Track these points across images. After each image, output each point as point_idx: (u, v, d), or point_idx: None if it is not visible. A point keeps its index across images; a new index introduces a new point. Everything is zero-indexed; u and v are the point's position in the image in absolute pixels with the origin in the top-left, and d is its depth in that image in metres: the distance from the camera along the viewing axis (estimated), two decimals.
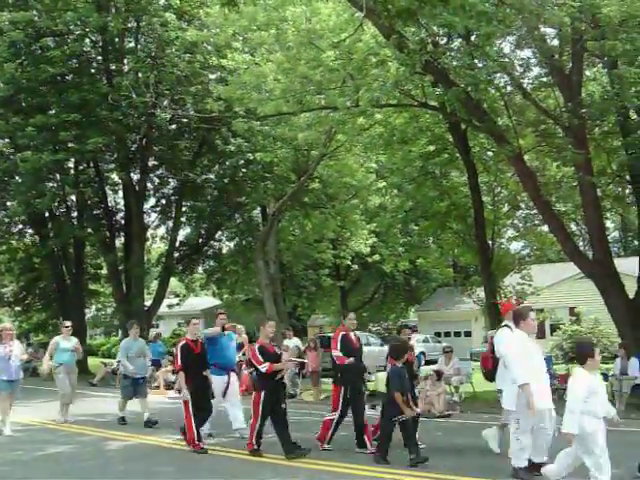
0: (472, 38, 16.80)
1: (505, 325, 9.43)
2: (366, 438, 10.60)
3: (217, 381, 11.94)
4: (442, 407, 15.56)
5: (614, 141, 18.40)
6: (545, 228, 21.67)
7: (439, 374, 16.55)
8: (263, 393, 10.21)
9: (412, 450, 9.38)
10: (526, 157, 18.37)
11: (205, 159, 29.72)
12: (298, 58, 17.02)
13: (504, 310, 10.49)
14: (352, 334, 11.15)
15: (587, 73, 18.91)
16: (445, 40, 18.49)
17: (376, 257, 35.25)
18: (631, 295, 17.31)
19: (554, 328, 35.92)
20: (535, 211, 20.60)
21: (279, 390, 10.50)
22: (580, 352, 7.44)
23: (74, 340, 15.05)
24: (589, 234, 18.71)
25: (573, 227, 30.11)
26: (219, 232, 33.10)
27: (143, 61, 25.64)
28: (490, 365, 9.90)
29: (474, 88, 16.09)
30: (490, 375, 9.93)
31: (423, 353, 33.05)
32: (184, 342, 11.38)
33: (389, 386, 9.84)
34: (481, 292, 21.73)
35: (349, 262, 36.91)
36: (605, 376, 17.62)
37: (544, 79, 18.36)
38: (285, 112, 19.07)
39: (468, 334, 43.46)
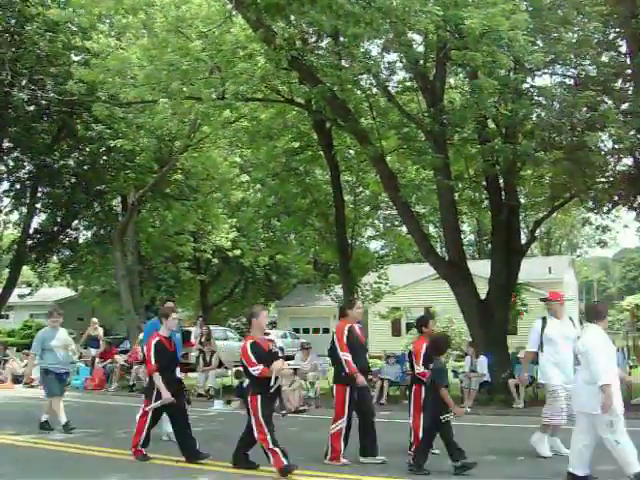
0: (341, 38, 16.95)
1: (542, 317, 9.78)
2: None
3: None
4: (297, 402, 15.78)
5: (472, 148, 19.02)
6: (404, 229, 22.18)
7: (295, 370, 16.68)
8: (259, 397, 8.81)
9: (456, 456, 8.59)
10: (388, 159, 18.74)
11: (64, 144, 28.58)
12: (165, 45, 16.67)
13: (552, 298, 10.16)
14: (357, 326, 9.94)
15: (450, 81, 19.48)
16: (314, 38, 18.57)
17: (237, 251, 35.14)
18: (483, 296, 17.97)
19: (410, 326, 36.93)
20: (395, 212, 21.04)
21: (275, 394, 9.20)
22: None
23: None
24: (445, 236, 19.28)
25: (431, 229, 31.05)
26: (76, 220, 31.94)
27: (0, 36, 24.36)
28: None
29: (340, 88, 16.26)
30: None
31: (281, 348, 33.18)
32: (157, 339, 9.75)
33: (433, 382, 8.94)
34: (340, 290, 21.99)
35: (210, 256, 36.54)
36: (455, 373, 18.26)
37: (408, 83, 18.75)
38: (149, 100, 18.63)
39: (326, 331, 44.00)
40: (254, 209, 25.54)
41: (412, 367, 10.12)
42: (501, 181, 18.20)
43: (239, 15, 16.05)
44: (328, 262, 27.45)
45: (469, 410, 10.58)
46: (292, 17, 15.88)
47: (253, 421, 8.76)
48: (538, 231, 33.20)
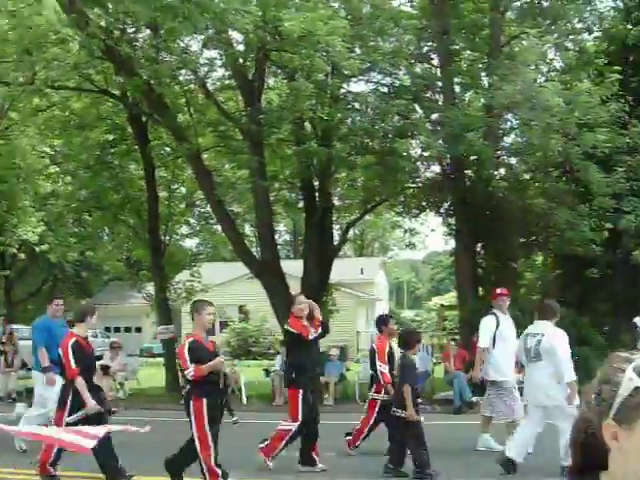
0: (160, 32, 16.62)
1: (491, 312, 9.76)
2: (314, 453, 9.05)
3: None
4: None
5: (288, 149, 19.24)
6: (220, 227, 22.06)
7: (105, 369, 16.20)
8: (205, 400, 7.51)
9: (392, 458, 8.45)
10: (204, 156, 18.59)
11: None
12: None
13: (492, 297, 10.35)
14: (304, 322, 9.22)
15: (270, 81, 19.59)
16: (133, 29, 18.08)
17: (45, 247, 33.55)
18: None
19: (223, 325, 36.82)
20: (210, 210, 20.90)
21: (222, 396, 7.87)
22: None
23: None
24: (259, 236, 19.39)
25: (247, 228, 31.08)
26: None
27: None
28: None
29: (157, 81, 15.93)
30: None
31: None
32: (74, 339, 8.23)
33: (400, 379, 8.69)
34: (152, 288, 21.53)
35: (15, 250, 34.68)
36: (267, 372, 18.38)
37: (228, 81, 18.69)
38: None
39: (139, 330, 43.04)
40: (64, 203, 24.48)
41: (373, 365, 10.02)
42: (316, 183, 18.54)
43: None
44: (141, 259, 26.76)
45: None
46: (110, 5, 15.38)
47: (195, 431, 7.50)
48: (351, 232, 34.14)
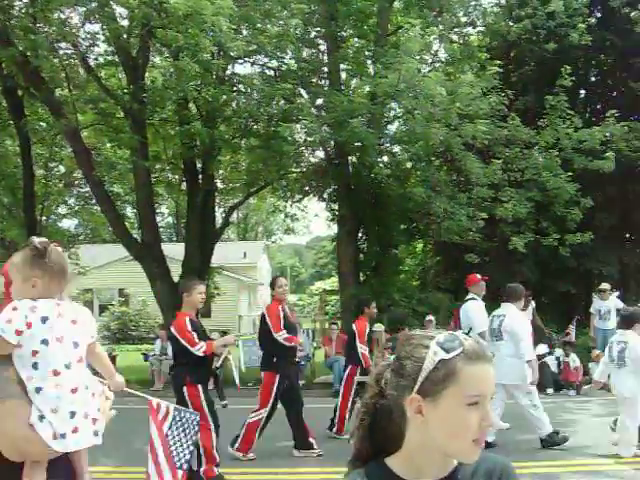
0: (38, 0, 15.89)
1: (472, 298, 10.04)
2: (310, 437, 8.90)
3: None
4: None
5: (172, 129, 18.88)
6: (99, 208, 21.47)
7: None
8: (200, 387, 7.29)
9: None
10: (84, 134, 18.01)
11: None
12: None
13: (469, 282, 10.36)
14: (287, 307, 9.17)
15: (157, 60, 19.12)
16: None
17: None
18: (176, 279, 17.92)
19: (103, 308, 35.93)
20: (90, 190, 20.32)
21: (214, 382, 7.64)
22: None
23: None
24: (140, 218, 18.99)
25: (128, 210, 30.33)
26: None
27: None
28: None
29: (34, 54, 15.24)
30: None
31: None
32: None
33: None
34: None
35: None
36: (146, 356, 18.08)
37: (110, 57, 18.10)
38: None
39: None
40: None
41: (350, 347, 9.77)
42: (199, 165, 18.29)
43: None
44: (15, 240, 25.74)
45: None
46: None
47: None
48: (234, 216, 33.88)
